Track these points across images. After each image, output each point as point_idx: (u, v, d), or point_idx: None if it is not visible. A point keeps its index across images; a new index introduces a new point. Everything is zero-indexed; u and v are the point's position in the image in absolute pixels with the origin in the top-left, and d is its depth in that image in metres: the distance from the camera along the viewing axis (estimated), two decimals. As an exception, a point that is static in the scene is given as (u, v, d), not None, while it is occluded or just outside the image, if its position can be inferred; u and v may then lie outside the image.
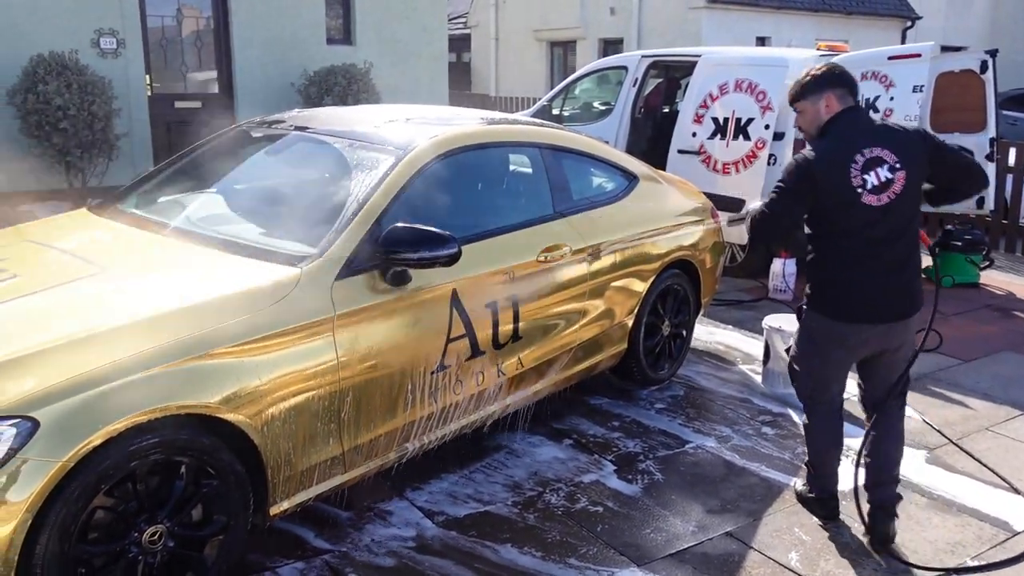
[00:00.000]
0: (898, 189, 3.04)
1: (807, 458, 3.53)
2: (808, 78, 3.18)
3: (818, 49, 7.52)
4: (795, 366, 3.43)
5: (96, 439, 2.36)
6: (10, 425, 2.28)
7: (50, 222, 4.15)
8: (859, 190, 3.03)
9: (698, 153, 7.20)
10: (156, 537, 2.58)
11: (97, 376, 2.44)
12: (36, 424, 2.30)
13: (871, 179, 3.02)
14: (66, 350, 2.51)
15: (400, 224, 3.15)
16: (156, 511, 2.59)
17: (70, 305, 2.80)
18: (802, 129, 3.28)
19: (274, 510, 2.92)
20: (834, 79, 3.16)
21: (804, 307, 3.32)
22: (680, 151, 7.34)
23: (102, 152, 8.65)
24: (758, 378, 5.07)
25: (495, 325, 3.61)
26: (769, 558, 3.23)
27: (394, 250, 3.11)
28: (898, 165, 3.04)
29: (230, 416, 2.67)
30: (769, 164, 6.72)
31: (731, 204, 6.39)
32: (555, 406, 4.44)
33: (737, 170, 6.91)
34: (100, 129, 8.50)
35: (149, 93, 9.75)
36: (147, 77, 9.72)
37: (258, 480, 2.83)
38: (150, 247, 3.37)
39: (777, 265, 6.89)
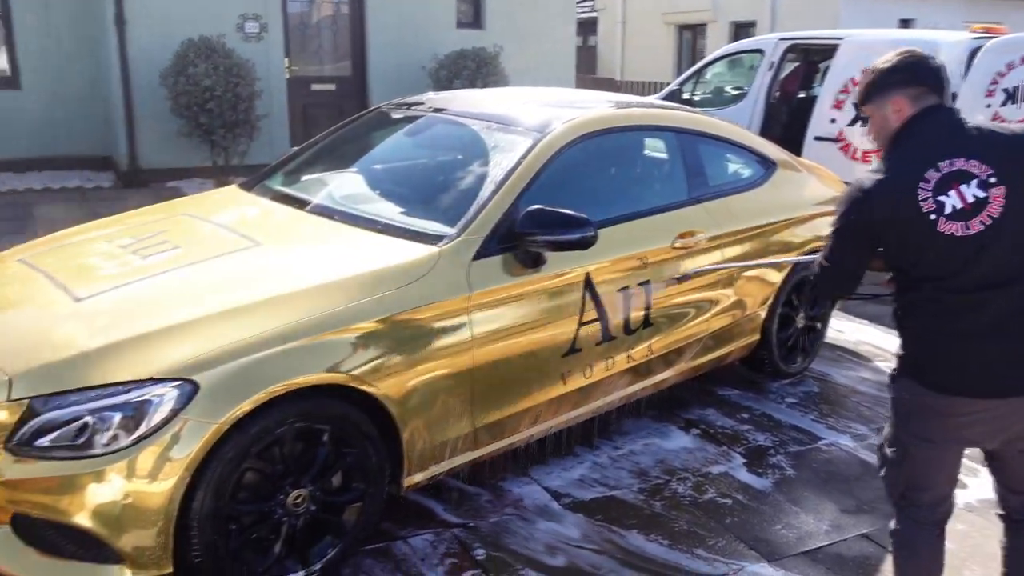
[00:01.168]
0: (995, 211, 2.22)
1: None
2: (871, 75, 2.42)
3: (971, 31, 7.08)
4: (885, 452, 2.56)
5: (247, 404, 2.48)
6: (173, 387, 2.43)
7: (203, 198, 4.38)
8: (932, 216, 2.24)
9: (836, 140, 6.94)
10: (299, 500, 2.70)
11: (251, 344, 2.56)
12: (196, 387, 2.44)
13: (950, 201, 2.24)
14: (223, 318, 2.64)
15: (537, 206, 3.16)
16: (300, 476, 2.71)
17: (227, 276, 2.96)
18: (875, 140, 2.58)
19: (408, 481, 3.00)
20: (905, 75, 2.36)
21: (894, 373, 2.52)
22: (817, 138, 7.10)
23: (244, 132, 9.07)
24: (896, 376, 4.84)
25: (627, 311, 3.59)
26: (909, 564, 3.09)
27: (531, 232, 3.12)
28: (993, 179, 2.23)
29: (370, 389, 2.75)
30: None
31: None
32: (683, 395, 4.38)
33: (879, 158, 6.60)
34: (243, 110, 8.91)
35: (288, 76, 10.14)
36: (286, 60, 10.12)
37: (394, 452, 2.91)
38: (295, 223, 3.50)
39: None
